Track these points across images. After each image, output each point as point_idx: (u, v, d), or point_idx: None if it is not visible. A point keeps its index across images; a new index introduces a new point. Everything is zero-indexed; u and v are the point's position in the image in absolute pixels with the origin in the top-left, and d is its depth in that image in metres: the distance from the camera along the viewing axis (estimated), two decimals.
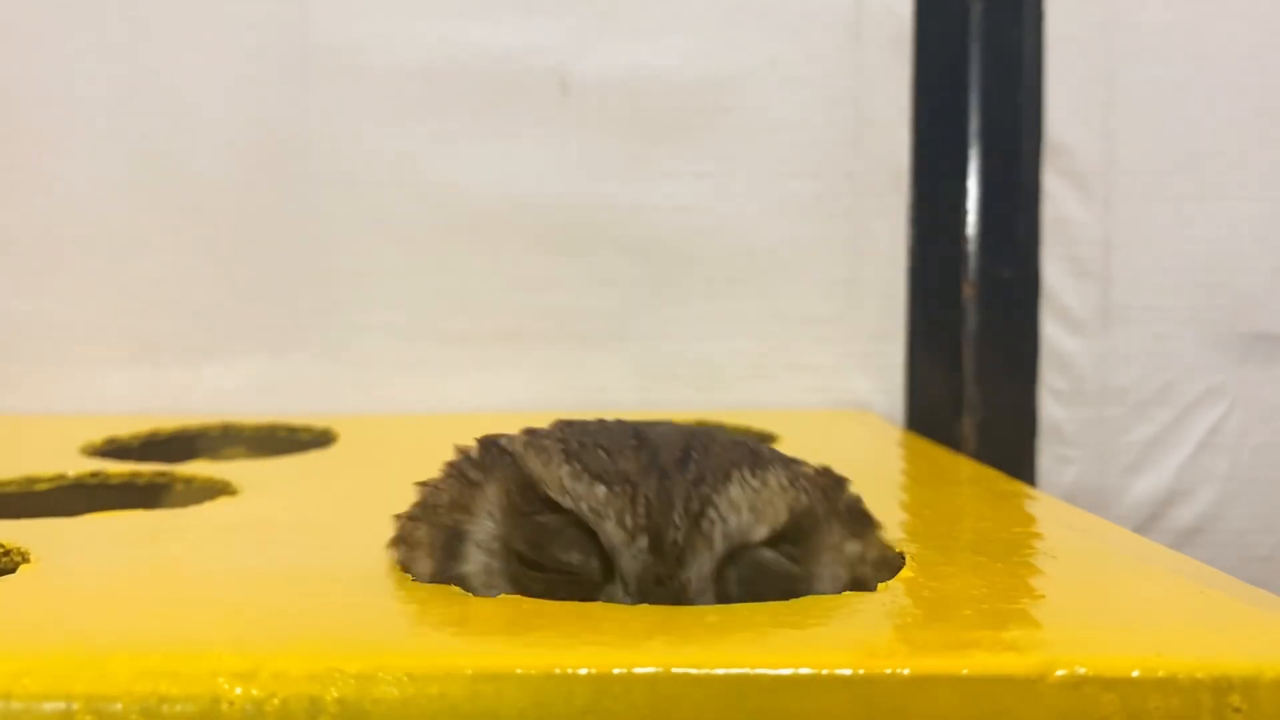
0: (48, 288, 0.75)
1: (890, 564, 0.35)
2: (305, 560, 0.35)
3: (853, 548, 0.34)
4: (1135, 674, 0.24)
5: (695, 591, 0.30)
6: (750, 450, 0.33)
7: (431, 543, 0.34)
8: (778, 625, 0.27)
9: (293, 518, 0.43)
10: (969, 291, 0.76)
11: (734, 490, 0.31)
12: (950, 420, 0.75)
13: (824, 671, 0.24)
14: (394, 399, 0.76)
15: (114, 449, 0.60)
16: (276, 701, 0.23)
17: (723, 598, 0.30)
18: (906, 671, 0.24)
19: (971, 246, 0.76)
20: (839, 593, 0.32)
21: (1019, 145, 0.76)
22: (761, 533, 0.31)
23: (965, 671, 0.24)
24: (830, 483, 0.35)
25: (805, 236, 0.78)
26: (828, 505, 0.34)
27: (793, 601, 0.29)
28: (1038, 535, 0.42)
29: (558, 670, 0.24)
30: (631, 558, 0.30)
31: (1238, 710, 0.24)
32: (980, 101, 0.76)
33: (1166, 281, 0.76)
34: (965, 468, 0.62)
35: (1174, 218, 0.77)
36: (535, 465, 0.32)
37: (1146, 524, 0.76)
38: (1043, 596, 0.32)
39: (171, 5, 0.77)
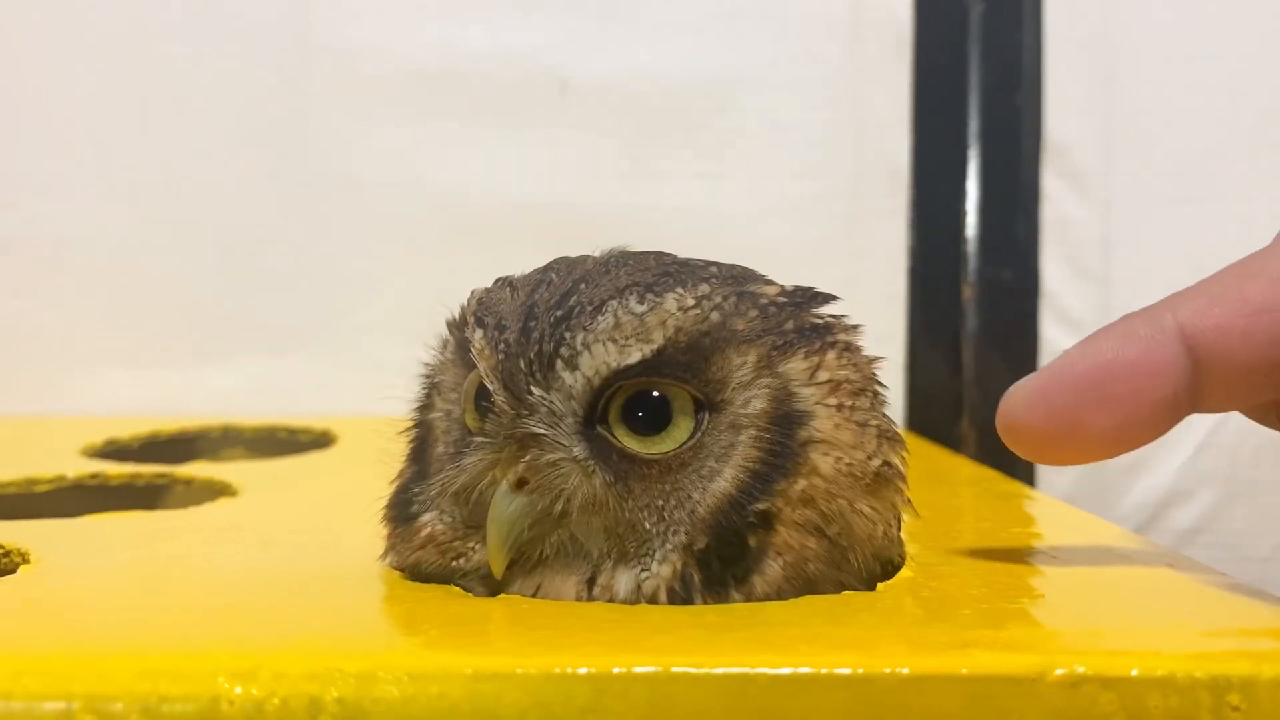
0: (48, 289, 0.75)
1: (876, 395, 0.33)
2: (305, 560, 0.35)
3: (794, 366, 0.31)
4: (1134, 673, 0.24)
5: (552, 436, 0.30)
6: (661, 273, 0.32)
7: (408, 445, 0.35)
8: (777, 624, 0.27)
9: (292, 518, 0.43)
10: (969, 292, 0.76)
11: (601, 321, 0.30)
12: (950, 420, 0.75)
13: (823, 670, 0.24)
14: (394, 400, 0.75)
15: (114, 450, 0.60)
16: (276, 701, 0.23)
17: (599, 440, 0.30)
18: (906, 671, 0.24)
19: (971, 247, 0.76)
20: (761, 415, 0.31)
21: (1019, 145, 0.76)
22: (629, 360, 0.30)
23: (965, 671, 0.24)
24: (789, 303, 0.32)
25: (805, 236, 0.78)
26: (764, 324, 0.31)
27: (793, 601, 0.29)
28: (1038, 535, 0.42)
29: (557, 670, 0.24)
30: (496, 406, 0.30)
31: (1236, 709, 0.24)
32: (980, 102, 0.76)
33: (1166, 282, 0.75)
34: (965, 468, 0.62)
35: (1174, 219, 0.77)
36: (465, 307, 0.33)
37: (1146, 524, 0.76)
38: (1042, 596, 0.32)
39: (172, 7, 0.77)
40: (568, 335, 0.30)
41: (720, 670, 0.24)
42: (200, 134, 0.77)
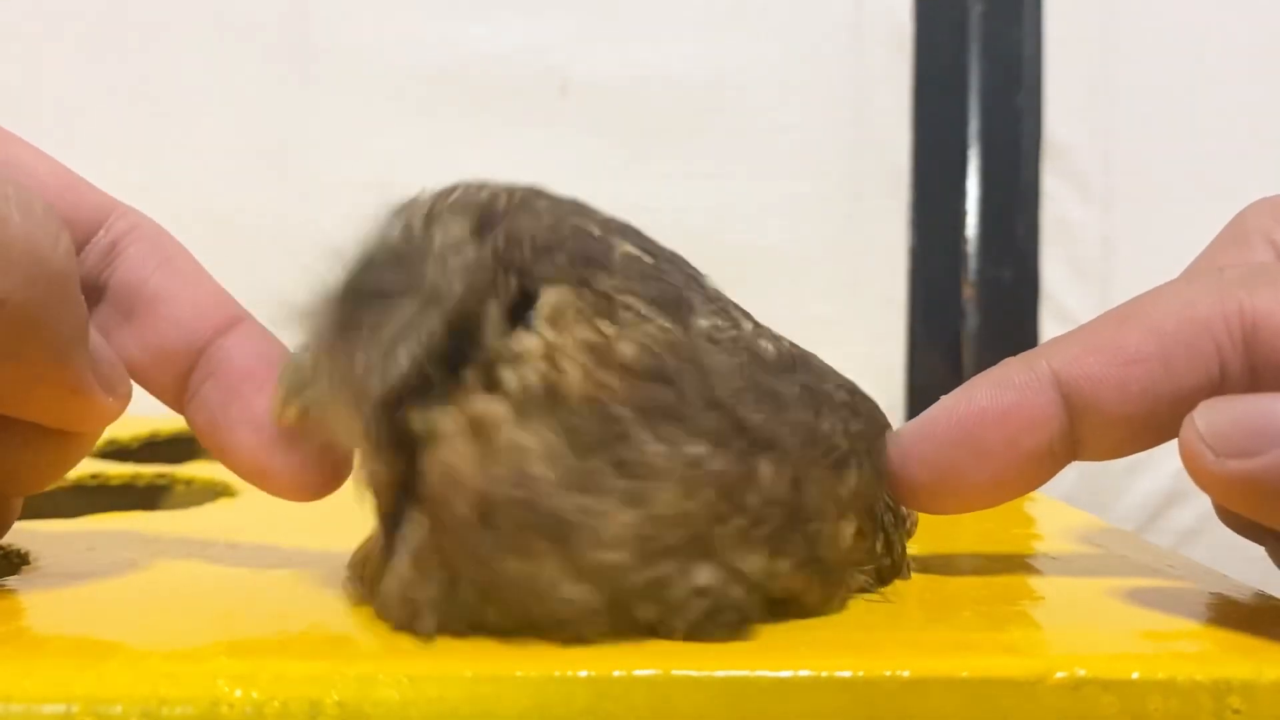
0: None
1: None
2: (305, 562, 0.35)
3: (550, 295, 0.25)
4: (1135, 675, 0.24)
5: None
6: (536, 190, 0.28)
7: None
8: (777, 626, 0.27)
9: (292, 519, 0.43)
10: (969, 292, 0.76)
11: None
12: None
13: (823, 673, 0.24)
14: None
15: (113, 450, 0.60)
16: (276, 704, 0.23)
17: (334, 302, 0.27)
18: (906, 673, 0.24)
19: (971, 247, 0.76)
20: (449, 296, 0.25)
21: (1019, 146, 0.77)
22: (391, 232, 0.27)
23: (965, 673, 0.24)
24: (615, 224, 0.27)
25: (805, 237, 0.78)
26: (551, 221, 0.26)
27: None
28: (1038, 536, 0.42)
29: (557, 672, 0.24)
30: None
31: (1237, 712, 0.24)
32: (980, 102, 0.76)
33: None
34: None
35: (1174, 219, 0.77)
36: None
37: (1146, 524, 0.76)
38: (1043, 598, 0.32)
39: (171, 6, 0.77)
40: None
41: (720, 673, 0.24)
42: (200, 133, 0.77)
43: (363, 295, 0.26)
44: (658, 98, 0.77)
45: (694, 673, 0.24)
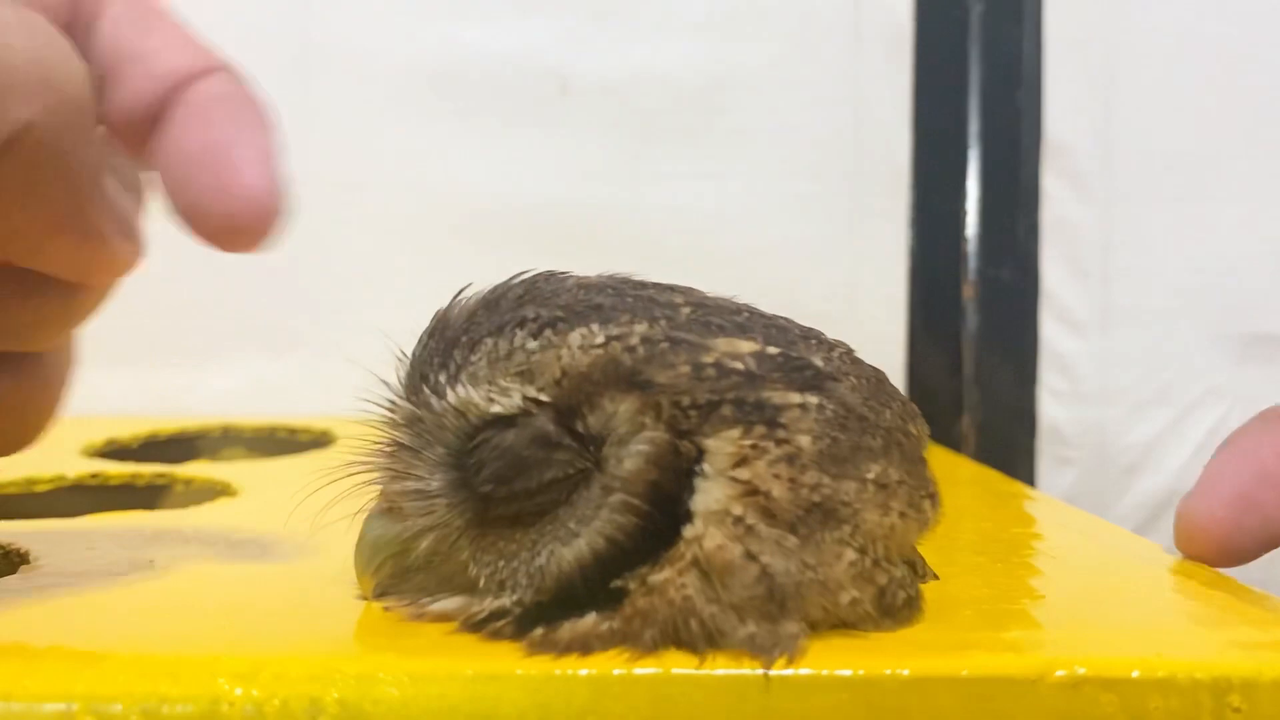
0: None
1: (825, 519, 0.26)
2: (305, 561, 0.35)
3: (716, 443, 0.25)
4: (1135, 674, 0.24)
5: (416, 459, 0.28)
6: (595, 305, 0.27)
7: None
8: None
9: (292, 519, 0.43)
10: (969, 292, 0.76)
11: (476, 355, 0.27)
12: (950, 420, 0.75)
13: (824, 672, 0.24)
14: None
15: (113, 450, 0.60)
16: (277, 702, 0.23)
17: (479, 496, 0.27)
18: (906, 672, 0.24)
19: (971, 247, 0.76)
20: (633, 478, 0.25)
21: (1019, 145, 0.76)
22: (494, 409, 0.26)
23: (965, 672, 0.24)
24: (757, 370, 0.26)
25: (805, 237, 0.78)
26: (694, 383, 0.25)
27: None
28: (1038, 535, 0.42)
29: (558, 671, 0.24)
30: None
31: (1237, 710, 0.24)
32: (980, 102, 0.76)
33: (1166, 282, 0.76)
34: (965, 468, 0.62)
35: (1173, 218, 0.77)
36: None
37: (1146, 524, 0.76)
38: (1042, 597, 0.32)
39: (170, 5, 0.77)
40: (435, 373, 0.28)
41: (720, 672, 0.24)
42: None
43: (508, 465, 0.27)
44: (658, 98, 0.77)
45: (693, 671, 0.24)
